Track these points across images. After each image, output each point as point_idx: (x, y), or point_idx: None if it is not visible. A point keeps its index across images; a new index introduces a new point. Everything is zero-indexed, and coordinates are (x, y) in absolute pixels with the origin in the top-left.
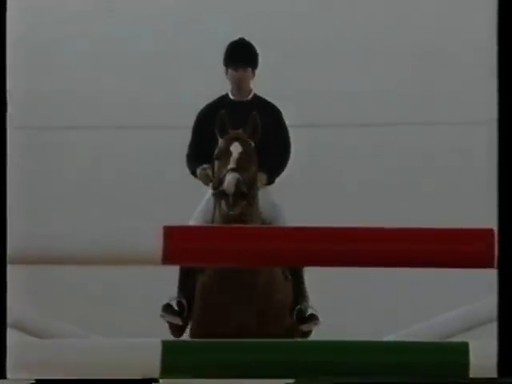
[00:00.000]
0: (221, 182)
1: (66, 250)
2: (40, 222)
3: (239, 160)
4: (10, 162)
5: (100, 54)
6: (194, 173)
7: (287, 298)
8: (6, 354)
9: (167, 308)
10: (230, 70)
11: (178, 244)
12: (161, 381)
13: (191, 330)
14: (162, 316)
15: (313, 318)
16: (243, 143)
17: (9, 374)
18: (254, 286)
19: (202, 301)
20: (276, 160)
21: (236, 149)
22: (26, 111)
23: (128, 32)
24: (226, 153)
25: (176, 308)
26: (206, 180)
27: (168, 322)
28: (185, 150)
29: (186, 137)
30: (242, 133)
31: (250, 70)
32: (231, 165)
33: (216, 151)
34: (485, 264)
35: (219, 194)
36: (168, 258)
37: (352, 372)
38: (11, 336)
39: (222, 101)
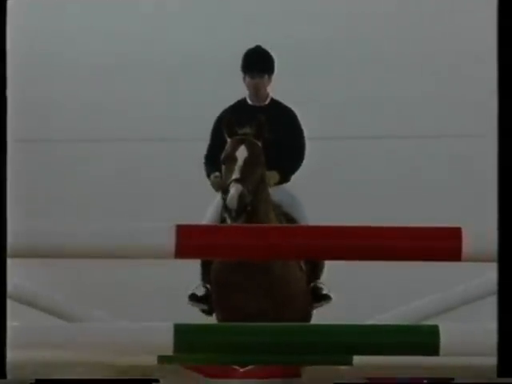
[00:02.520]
0: (226, 189)
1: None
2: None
3: (243, 168)
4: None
5: (112, 66)
6: (208, 175)
7: (301, 282)
8: (6, 354)
9: (192, 297)
10: (247, 77)
11: (189, 240)
12: (161, 381)
13: (215, 314)
14: (190, 304)
15: (326, 297)
16: (249, 145)
17: (39, 352)
18: (269, 271)
19: (217, 286)
20: (290, 160)
21: (241, 154)
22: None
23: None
24: (232, 158)
25: (199, 295)
26: (217, 188)
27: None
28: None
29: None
30: (248, 132)
31: (266, 76)
32: (235, 175)
33: (223, 154)
34: (453, 258)
35: (224, 205)
36: (180, 253)
37: (334, 351)
38: (46, 319)
39: (240, 105)
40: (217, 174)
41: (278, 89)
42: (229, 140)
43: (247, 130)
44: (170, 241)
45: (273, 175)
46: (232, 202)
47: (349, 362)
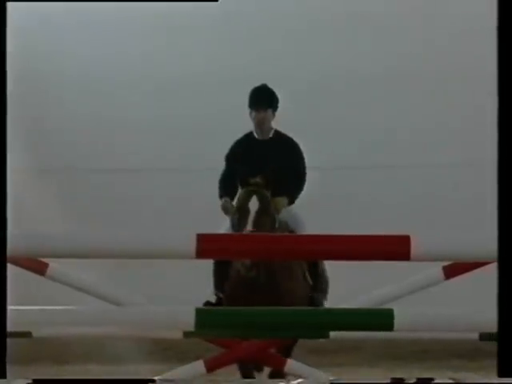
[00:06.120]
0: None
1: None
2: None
3: (256, 219)
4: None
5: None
6: (221, 197)
7: (305, 291)
8: (6, 354)
9: (207, 304)
10: (253, 112)
11: (206, 245)
12: (157, 381)
13: None
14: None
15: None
16: (260, 197)
17: (92, 329)
18: (276, 284)
19: (231, 297)
20: (295, 186)
21: (253, 205)
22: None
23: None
24: (245, 210)
25: (213, 302)
26: (226, 212)
27: None
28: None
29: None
30: (259, 182)
31: (270, 111)
32: (249, 226)
33: (236, 203)
34: (402, 257)
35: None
36: (199, 255)
37: (315, 328)
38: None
39: (248, 139)
40: (226, 199)
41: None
42: (241, 190)
43: (257, 179)
44: (191, 245)
45: (282, 201)
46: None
47: (326, 336)
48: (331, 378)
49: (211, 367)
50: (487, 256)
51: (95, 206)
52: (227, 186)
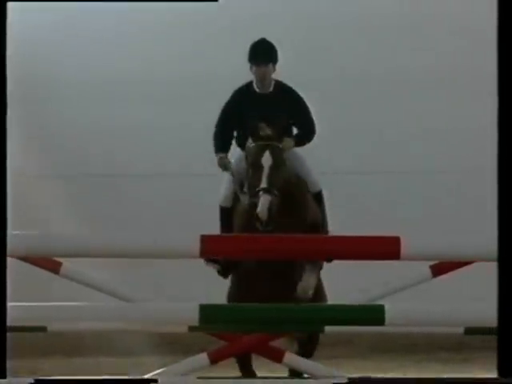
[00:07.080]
0: (256, 194)
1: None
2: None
3: (270, 175)
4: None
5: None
6: (216, 152)
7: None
8: (6, 354)
9: (208, 258)
10: (254, 67)
11: (209, 246)
12: (159, 381)
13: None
14: (206, 265)
15: None
16: (273, 151)
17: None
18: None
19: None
20: (301, 134)
21: (267, 161)
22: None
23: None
24: (258, 166)
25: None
26: (224, 169)
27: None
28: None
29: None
30: (270, 134)
31: (270, 65)
32: (263, 184)
33: (249, 159)
34: (393, 257)
35: (255, 214)
36: (203, 254)
37: (311, 322)
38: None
39: (248, 90)
40: (222, 155)
41: None
42: (253, 144)
43: (268, 131)
44: (196, 245)
45: (288, 142)
46: (262, 214)
47: (322, 330)
48: (333, 374)
49: (214, 359)
50: (486, 256)
51: (95, 209)
52: (222, 139)
